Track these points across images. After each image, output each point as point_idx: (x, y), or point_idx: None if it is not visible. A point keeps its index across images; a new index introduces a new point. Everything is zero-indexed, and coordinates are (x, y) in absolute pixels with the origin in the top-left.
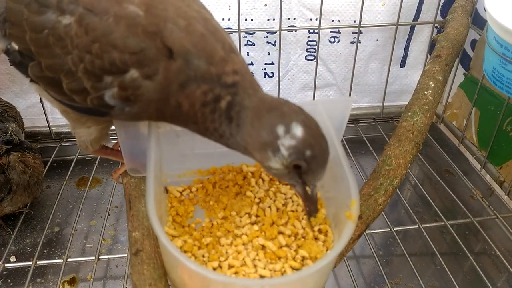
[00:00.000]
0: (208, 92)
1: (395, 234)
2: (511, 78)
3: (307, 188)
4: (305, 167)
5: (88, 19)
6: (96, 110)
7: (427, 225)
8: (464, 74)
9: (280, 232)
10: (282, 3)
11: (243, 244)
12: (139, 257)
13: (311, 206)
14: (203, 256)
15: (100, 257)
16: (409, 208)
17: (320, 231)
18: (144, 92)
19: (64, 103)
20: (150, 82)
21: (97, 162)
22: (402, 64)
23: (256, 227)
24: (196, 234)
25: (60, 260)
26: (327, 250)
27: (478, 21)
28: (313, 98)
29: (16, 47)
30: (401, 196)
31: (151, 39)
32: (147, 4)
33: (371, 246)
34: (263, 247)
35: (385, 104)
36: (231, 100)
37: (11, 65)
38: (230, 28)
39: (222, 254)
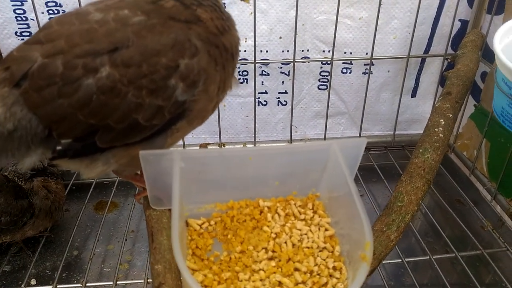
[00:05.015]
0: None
1: (406, 265)
2: None
3: None
4: None
5: (119, 56)
6: (175, 117)
7: (438, 256)
8: (474, 105)
9: (296, 269)
10: (296, 36)
11: (261, 280)
12: None
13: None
14: None
15: (117, 282)
16: (420, 238)
17: (334, 268)
18: (200, 67)
19: (144, 141)
20: (198, 56)
21: (115, 187)
22: (413, 94)
23: (273, 263)
24: (216, 268)
25: (79, 285)
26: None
27: (488, 54)
28: (325, 126)
29: (68, 140)
30: (412, 226)
31: (170, 27)
32: (139, 9)
33: (382, 277)
34: (280, 283)
35: (396, 133)
36: None
37: (70, 159)
38: (246, 59)
39: None
